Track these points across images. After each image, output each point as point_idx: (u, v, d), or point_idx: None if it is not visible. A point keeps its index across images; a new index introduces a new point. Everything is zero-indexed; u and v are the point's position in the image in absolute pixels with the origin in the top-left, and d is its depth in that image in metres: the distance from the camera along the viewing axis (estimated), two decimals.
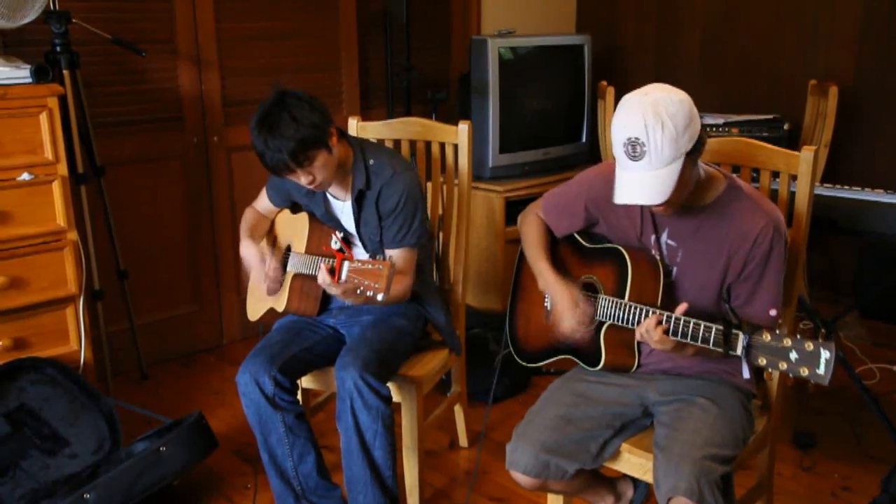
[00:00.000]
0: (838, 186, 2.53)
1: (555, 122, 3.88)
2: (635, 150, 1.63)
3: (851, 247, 3.72)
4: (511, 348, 2.20)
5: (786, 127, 3.51)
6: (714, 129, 3.48)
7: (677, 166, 1.64)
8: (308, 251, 2.25)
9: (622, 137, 1.65)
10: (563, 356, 2.03)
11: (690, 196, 1.78)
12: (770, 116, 3.58)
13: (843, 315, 3.28)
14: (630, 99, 1.67)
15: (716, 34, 4.13)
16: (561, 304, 1.92)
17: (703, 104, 4.07)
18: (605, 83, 3.60)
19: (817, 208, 2.30)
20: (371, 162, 2.19)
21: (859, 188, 2.49)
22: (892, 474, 2.30)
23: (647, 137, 1.61)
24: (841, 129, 3.46)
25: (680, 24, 4.26)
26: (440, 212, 2.59)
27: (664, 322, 1.72)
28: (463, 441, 2.77)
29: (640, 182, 1.65)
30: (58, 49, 2.75)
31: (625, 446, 1.86)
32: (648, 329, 1.73)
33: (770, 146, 2.00)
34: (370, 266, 1.88)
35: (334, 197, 2.27)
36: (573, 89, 3.89)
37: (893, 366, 3.25)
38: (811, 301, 3.53)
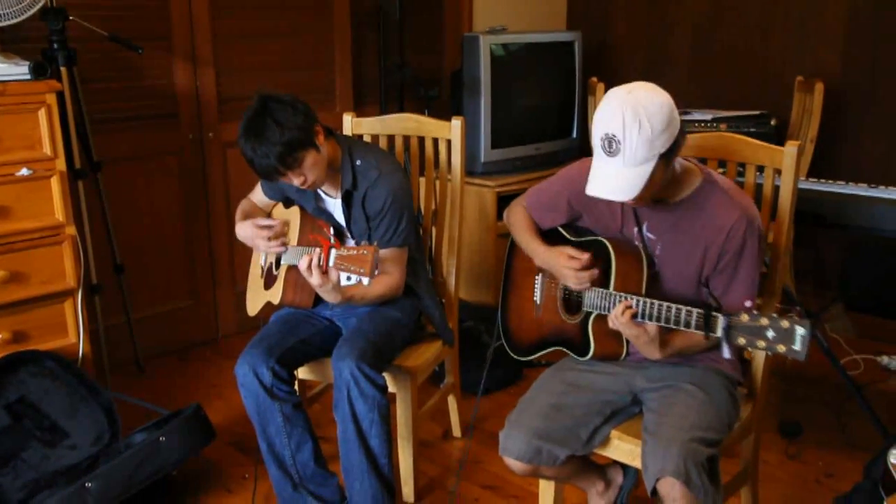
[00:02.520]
0: (823, 181, 2.58)
1: (546, 118, 3.93)
2: (611, 145, 1.69)
3: (839, 241, 3.78)
4: (504, 342, 2.24)
5: (773, 123, 3.57)
6: (702, 124, 3.53)
7: (650, 167, 1.69)
8: (301, 244, 2.30)
9: (600, 131, 1.71)
10: (553, 348, 2.08)
11: (666, 190, 1.83)
12: (757, 112, 3.64)
13: (828, 307, 3.34)
14: (614, 94, 1.72)
15: (705, 31, 4.18)
16: (558, 264, 1.96)
17: (692, 100, 4.15)
18: (595, 79, 3.65)
19: (803, 202, 2.35)
20: (358, 162, 2.23)
21: (844, 182, 2.54)
22: (875, 460, 2.35)
23: (623, 135, 1.67)
24: (827, 124, 3.52)
25: (669, 21, 4.31)
26: (433, 207, 2.64)
27: (634, 306, 1.78)
28: (456, 431, 2.82)
29: (612, 177, 1.71)
30: (55, 46, 2.76)
31: (614, 433, 1.91)
32: (616, 315, 1.79)
33: (755, 141, 2.05)
34: (355, 252, 1.92)
35: (325, 193, 2.31)
36: (564, 85, 3.93)
37: (877, 357, 3.32)
38: (798, 295, 3.59)
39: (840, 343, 3.43)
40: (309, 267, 1.98)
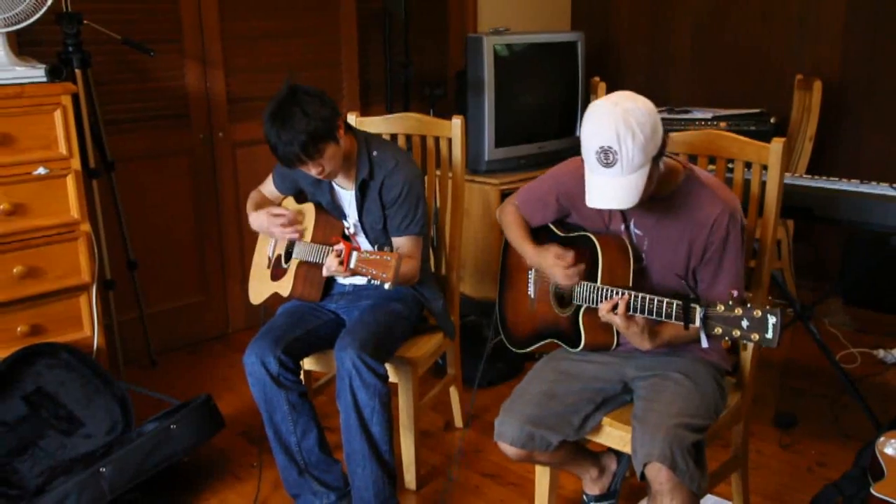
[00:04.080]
0: (816, 177, 2.64)
1: (549, 117, 3.98)
2: (608, 157, 1.73)
3: (837, 236, 3.83)
4: (502, 336, 2.31)
5: (772, 121, 3.61)
6: (702, 123, 3.58)
7: (646, 171, 1.75)
8: (314, 240, 2.37)
9: (594, 145, 1.75)
10: (548, 340, 2.15)
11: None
12: (757, 111, 3.69)
13: (822, 299, 3.39)
14: (600, 108, 1.76)
15: (706, 30, 4.24)
16: (546, 264, 2.03)
17: (693, 99, 4.20)
18: (597, 79, 3.71)
19: (792, 198, 2.41)
20: (375, 153, 2.31)
21: (836, 178, 2.59)
22: (865, 449, 2.41)
23: (619, 146, 1.72)
24: (827, 122, 3.57)
25: (671, 22, 4.36)
26: (436, 203, 2.71)
27: (619, 299, 1.84)
28: (458, 422, 2.89)
29: (613, 187, 1.76)
30: (70, 49, 2.86)
31: (605, 420, 1.98)
32: (603, 311, 1.86)
33: (741, 138, 2.11)
34: (378, 257, 1.98)
35: (340, 186, 2.39)
36: (567, 85, 3.98)
37: (874, 350, 3.37)
38: (798, 289, 3.64)
39: (838, 337, 3.47)
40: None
